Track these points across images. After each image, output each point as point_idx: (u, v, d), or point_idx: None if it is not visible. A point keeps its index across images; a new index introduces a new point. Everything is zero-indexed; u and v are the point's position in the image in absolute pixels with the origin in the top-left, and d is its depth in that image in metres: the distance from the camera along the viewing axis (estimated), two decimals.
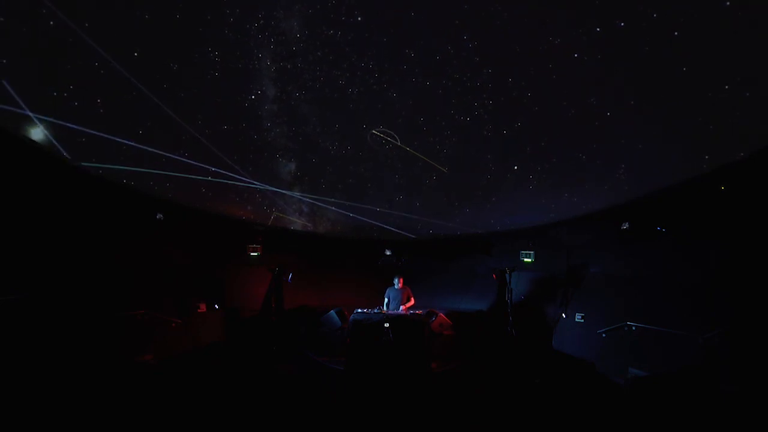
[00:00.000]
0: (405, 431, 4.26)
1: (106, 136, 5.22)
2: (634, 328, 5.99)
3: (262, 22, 4.56)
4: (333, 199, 7.55)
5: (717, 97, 4.08)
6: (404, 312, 7.05)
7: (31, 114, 4.64)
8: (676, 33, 3.76)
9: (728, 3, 3.43)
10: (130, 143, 5.44)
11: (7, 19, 3.79)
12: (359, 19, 4.45)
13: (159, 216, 7.10)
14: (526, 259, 8.08)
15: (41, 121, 4.79)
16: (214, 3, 4.30)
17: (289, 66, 4.99)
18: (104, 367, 5.24)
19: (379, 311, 6.87)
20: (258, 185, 7.13)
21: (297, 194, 7.42)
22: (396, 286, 7.68)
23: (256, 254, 8.57)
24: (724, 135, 4.38)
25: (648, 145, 4.95)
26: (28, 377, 4.39)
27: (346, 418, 4.54)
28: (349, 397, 5.44)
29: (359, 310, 6.88)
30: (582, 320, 7.23)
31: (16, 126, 4.74)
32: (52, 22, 3.98)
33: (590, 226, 7.48)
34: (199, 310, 7.66)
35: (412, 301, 7.58)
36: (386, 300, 7.66)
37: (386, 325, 6.45)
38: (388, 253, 9.14)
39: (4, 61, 4.05)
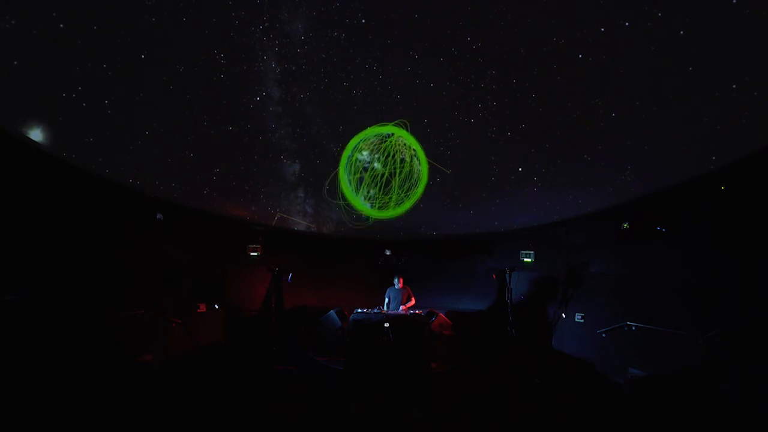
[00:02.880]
0: (405, 431, 4.27)
1: (112, 136, 5.21)
2: (634, 328, 6.02)
3: (267, 24, 4.55)
4: (336, 200, 7.54)
5: (724, 97, 4.09)
6: (404, 312, 7.06)
7: (37, 115, 4.63)
8: (681, 32, 3.77)
9: (735, 1, 3.43)
10: (137, 143, 5.42)
11: (18, 21, 3.77)
12: (363, 21, 4.45)
13: (159, 216, 7.08)
14: (526, 259, 8.10)
15: (48, 121, 4.78)
16: (220, 6, 4.28)
17: (293, 68, 4.98)
18: (104, 367, 5.21)
19: (379, 311, 6.88)
20: (262, 185, 7.12)
21: (300, 195, 7.41)
22: (396, 286, 7.69)
23: (256, 254, 8.55)
24: (731, 135, 4.41)
25: (653, 146, 4.97)
26: (28, 377, 4.36)
27: (346, 419, 4.54)
28: (349, 397, 5.44)
29: (359, 310, 6.88)
30: (582, 320, 7.26)
31: (19, 126, 4.72)
32: (61, 25, 3.97)
33: (590, 226, 7.51)
34: (199, 310, 7.63)
35: (413, 301, 7.59)
36: (386, 300, 7.67)
37: (386, 325, 6.45)
38: (388, 253, 9.13)
39: (15, 62, 4.03)
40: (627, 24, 3.94)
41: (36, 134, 4.85)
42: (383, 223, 8.53)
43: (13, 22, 3.77)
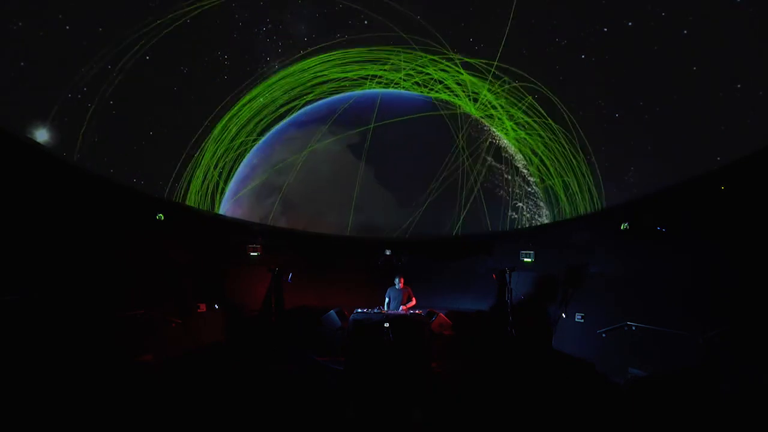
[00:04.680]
0: (405, 431, 4.27)
1: (118, 136, 5.22)
2: (634, 328, 6.01)
3: (270, 26, 4.56)
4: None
5: (729, 97, 4.09)
6: (404, 312, 7.07)
7: (42, 115, 4.64)
8: (685, 31, 3.76)
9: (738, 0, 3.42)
10: (141, 144, 5.44)
11: (25, 23, 3.79)
12: (365, 22, 4.45)
13: (159, 216, 7.10)
14: (526, 259, 8.11)
15: (53, 121, 4.80)
16: (224, 8, 4.29)
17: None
18: (104, 367, 5.21)
19: (379, 311, 6.89)
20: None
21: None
22: (397, 286, 7.71)
23: (256, 254, 8.56)
24: (736, 135, 4.40)
25: (658, 146, 4.97)
26: (28, 377, 4.37)
27: (346, 419, 4.55)
28: (349, 397, 5.45)
29: (359, 310, 6.89)
30: (582, 320, 7.26)
31: (24, 126, 4.74)
32: (67, 27, 4.00)
33: (590, 226, 7.52)
34: (199, 310, 7.65)
35: (413, 301, 7.60)
36: (387, 300, 7.68)
37: (386, 325, 6.46)
38: (388, 253, 9.13)
39: (22, 63, 4.06)
40: (630, 24, 3.93)
41: (42, 134, 4.87)
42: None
43: (20, 23, 3.79)
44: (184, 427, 4.05)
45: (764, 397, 4.11)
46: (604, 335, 6.49)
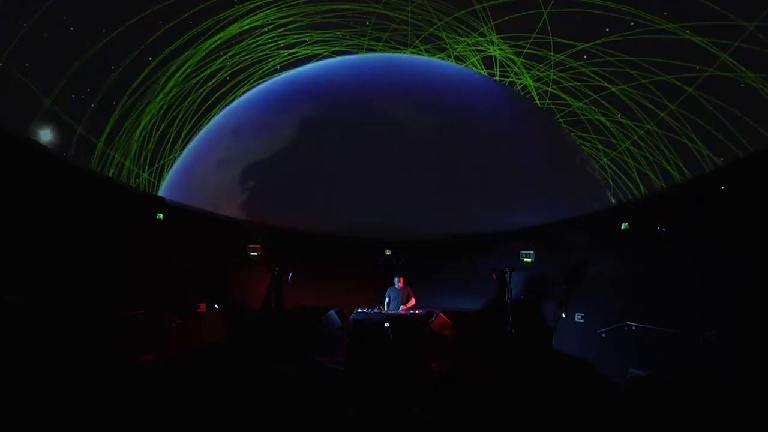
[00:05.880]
0: (405, 431, 4.28)
1: (120, 137, 5.23)
2: (634, 328, 6.02)
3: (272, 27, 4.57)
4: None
5: (733, 96, 4.09)
6: (404, 312, 7.09)
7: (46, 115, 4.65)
8: (688, 31, 3.77)
9: None
10: (144, 145, 5.44)
11: (29, 24, 3.81)
12: (366, 23, 4.46)
13: (159, 216, 7.10)
14: (526, 259, 8.10)
15: (57, 121, 4.81)
16: (226, 8, 4.30)
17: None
18: (104, 368, 5.22)
19: (379, 311, 6.92)
20: None
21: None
22: (396, 286, 7.73)
23: (255, 254, 8.56)
24: (740, 135, 4.40)
25: (656, 145, 4.97)
26: (28, 378, 4.37)
27: (346, 419, 4.55)
28: (349, 397, 5.46)
29: (359, 310, 6.91)
30: (582, 320, 7.27)
31: (23, 127, 4.75)
32: (71, 28, 4.03)
33: (590, 226, 7.52)
34: (199, 310, 7.67)
35: (413, 301, 7.62)
36: (387, 300, 7.70)
37: (386, 325, 6.48)
38: (388, 253, 9.13)
39: (27, 64, 4.08)
40: (632, 23, 3.93)
41: (45, 134, 4.89)
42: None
43: (25, 25, 3.82)
44: (185, 427, 4.06)
45: (764, 397, 4.11)
46: (604, 335, 6.50)
